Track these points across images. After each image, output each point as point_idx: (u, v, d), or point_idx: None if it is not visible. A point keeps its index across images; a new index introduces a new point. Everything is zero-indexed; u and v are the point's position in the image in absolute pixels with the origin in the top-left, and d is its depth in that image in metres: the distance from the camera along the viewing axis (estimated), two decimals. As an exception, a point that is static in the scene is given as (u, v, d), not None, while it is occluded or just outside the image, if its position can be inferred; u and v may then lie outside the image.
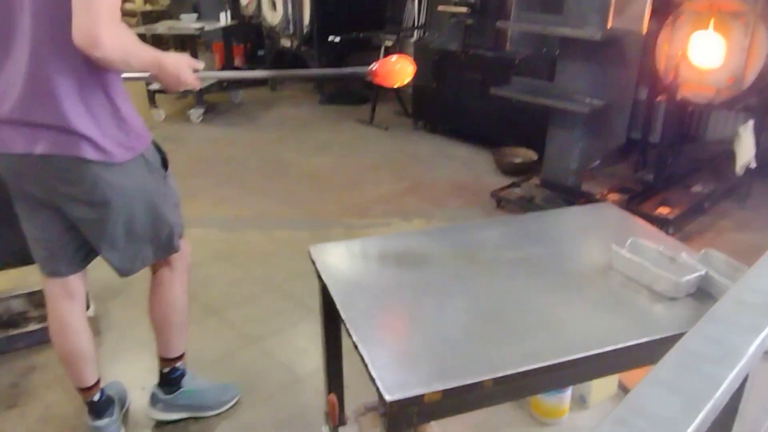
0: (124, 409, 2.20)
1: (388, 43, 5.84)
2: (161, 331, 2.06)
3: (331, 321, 1.77)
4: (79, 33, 1.38)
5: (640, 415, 0.50)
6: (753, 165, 3.47)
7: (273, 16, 6.54)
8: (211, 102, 6.11)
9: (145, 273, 2.03)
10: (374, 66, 1.79)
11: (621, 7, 3.17)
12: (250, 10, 6.92)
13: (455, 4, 4.88)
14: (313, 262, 1.67)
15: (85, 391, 1.98)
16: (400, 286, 1.57)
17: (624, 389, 2.11)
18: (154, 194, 1.76)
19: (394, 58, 1.85)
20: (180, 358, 2.13)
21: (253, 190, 4.30)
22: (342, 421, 1.88)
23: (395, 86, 1.91)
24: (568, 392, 1.96)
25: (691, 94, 3.54)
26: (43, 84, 1.50)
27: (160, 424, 2.18)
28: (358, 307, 1.45)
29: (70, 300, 1.87)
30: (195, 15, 6.26)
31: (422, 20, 6.29)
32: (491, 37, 4.82)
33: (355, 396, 1.96)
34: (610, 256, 1.61)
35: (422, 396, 1.16)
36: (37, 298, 2.77)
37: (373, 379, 1.20)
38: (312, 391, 2.35)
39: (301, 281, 3.13)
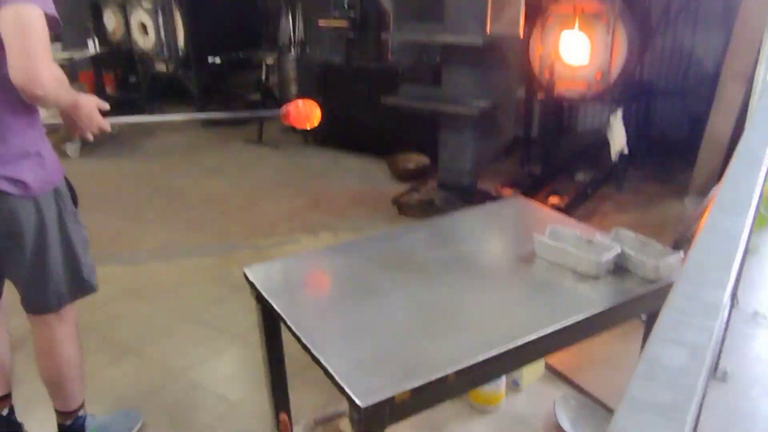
0: None
1: (270, 61, 5.81)
2: (59, 387, 1.94)
3: (272, 340, 1.75)
4: (19, 73, 1.41)
5: (659, 368, 0.56)
6: (626, 150, 3.83)
7: (145, 41, 6.29)
8: (86, 133, 5.73)
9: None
10: (284, 109, 1.97)
11: (497, 13, 3.39)
12: (118, 36, 6.61)
13: (335, 18, 4.96)
14: (251, 283, 1.64)
15: None
16: (343, 296, 1.60)
17: (551, 370, 2.25)
18: (67, 229, 1.74)
19: (301, 103, 2.00)
20: (81, 406, 2.03)
21: (150, 220, 4.10)
22: (293, 440, 1.87)
23: (307, 128, 2.08)
24: (503, 378, 2.07)
25: (565, 90, 3.86)
26: None
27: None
28: (308, 321, 1.46)
29: None
30: (59, 44, 5.88)
31: (299, 36, 6.32)
32: (373, 49, 4.95)
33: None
34: (534, 244, 1.72)
35: (392, 398, 1.19)
36: None
37: (341, 388, 1.22)
38: (249, 416, 2.29)
39: (217, 308, 3.04)
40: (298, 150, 5.60)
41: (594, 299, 1.53)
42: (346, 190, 4.61)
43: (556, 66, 3.78)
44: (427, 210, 3.82)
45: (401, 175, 4.73)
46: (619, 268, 1.63)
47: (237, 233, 3.83)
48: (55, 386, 1.94)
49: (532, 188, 3.92)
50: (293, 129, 5.86)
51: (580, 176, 4.16)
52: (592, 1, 3.73)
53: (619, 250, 1.61)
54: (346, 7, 4.90)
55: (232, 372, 2.57)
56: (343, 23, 4.93)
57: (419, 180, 4.42)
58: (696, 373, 0.57)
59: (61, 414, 2.00)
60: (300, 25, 6.31)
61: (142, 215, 4.18)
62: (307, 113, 1.98)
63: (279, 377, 1.83)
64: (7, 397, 1.99)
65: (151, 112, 6.75)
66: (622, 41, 3.64)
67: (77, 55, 5.56)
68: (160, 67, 6.34)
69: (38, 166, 1.62)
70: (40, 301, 1.78)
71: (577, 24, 3.72)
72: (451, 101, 3.67)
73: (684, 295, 0.71)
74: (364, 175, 4.92)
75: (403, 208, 4.07)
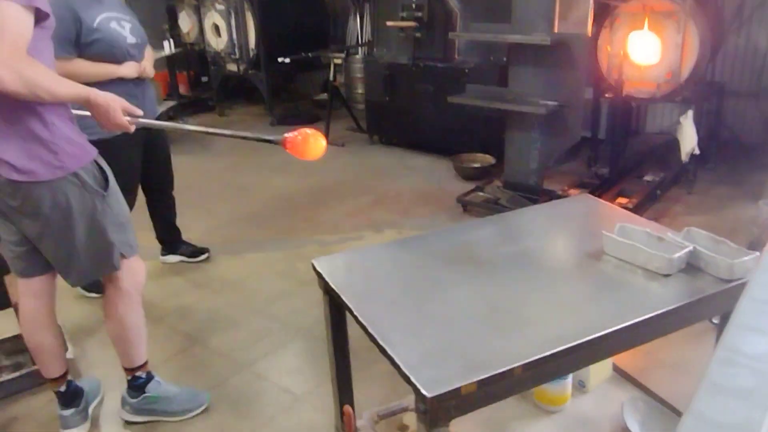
0: (95, 403, 2.35)
1: (337, 61, 5.91)
2: (116, 344, 2.18)
3: (338, 332, 1.79)
4: None
5: (739, 354, 0.56)
6: (696, 152, 3.70)
7: (217, 42, 6.52)
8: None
9: None
10: (285, 137, 1.90)
11: (565, 12, 3.34)
12: (192, 38, 6.88)
13: (403, 19, 5.00)
14: (319, 275, 1.69)
15: (53, 381, 2.17)
16: (409, 289, 1.62)
17: (619, 372, 2.21)
18: (90, 212, 1.84)
19: (308, 132, 1.91)
20: (140, 367, 2.23)
21: (218, 215, 4.26)
22: None
23: (305, 159, 1.97)
24: (569, 379, 2.05)
25: (634, 90, 3.76)
26: None
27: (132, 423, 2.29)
28: (375, 312, 1.49)
29: (35, 299, 2.02)
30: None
31: (366, 37, 6.41)
32: (440, 49, 4.96)
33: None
34: (603, 241, 1.70)
35: (459, 389, 1.21)
36: (7, 347, 2.66)
37: (407, 379, 1.24)
38: (313, 409, 2.35)
39: (282, 302, 3.13)
40: (363, 149, 5.67)
41: (665, 297, 1.49)
42: (411, 188, 4.64)
43: (625, 65, 3.69)
44: (492, 209, 3.81)
45: (466, 175, 4.72)
46: (692, 266, 1.58)
47: (303, 230, 3.92)
48: (115, 344, 2.17)
49: (600, 189, 3.84)
50: (358, 128, 5.97)
51: (649, 177, 4.04)
52: (663, -1, 3.62)
53: (691, 248, 1.57)
54: (413, 7, 4.93)
55: (296, 365, 2.64)
56: (410, 23, 4.97)
57: (484, 179, 4.40)
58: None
59: (124, 369, 2.24)
60: (367, 25, 6.40)
61: (210, 211, 4.34)
62: (307, 145, 1.90)
63: (344, 370, 1.87)
64: (65, 374, 2.19)
65: (222, 111, 7.00)
66: (694, 40, 3.51)
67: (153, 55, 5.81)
68: (232, 67, 6.55)
69: (48, 153, 1.72)
70: (65, 277, 1.97)
71: (646, 23, 3.62)
72: (518, 101, 3.64)
73: (763, 284, 0.70)
74: (428, 174, 4.94)
75: (468, 207, 4.07)
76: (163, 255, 3.52)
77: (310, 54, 5.99)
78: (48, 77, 1.61)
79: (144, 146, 2.97)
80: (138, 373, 2.23)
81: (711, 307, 1.59)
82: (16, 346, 2.63)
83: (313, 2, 6.92)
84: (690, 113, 3.71)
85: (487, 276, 1.65)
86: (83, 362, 2.67)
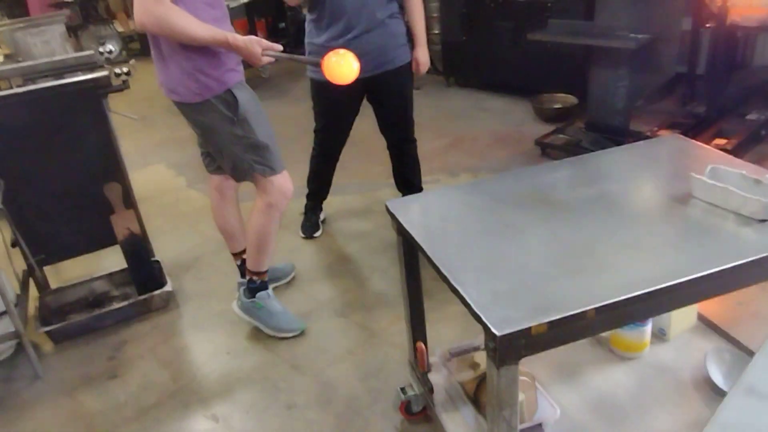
0: (274, 285, 2.71)
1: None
2: (248, 246, 2.45)
3: (412, 273, 1.81)
4: (134, 11, 1.88)
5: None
6: (810, 86, 3.37)
7: (294, -14, 6.48)
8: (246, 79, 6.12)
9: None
10: (323, 59, 2.05)
11: (662, -65, 3.07)
12: (270, -17, 6.88)
13: (482, -48, 4.77)
14: (393, 216, 1.69)
15: (235, 255, 2.66)
16: (482, 231, 1.59)
17: (704, 321, 2.11)
18: (223, 131, 2.16)
19: (339, 53, 2.02)
20: (256, 274, 2.48)
21: (298, 160, 4.31)
22: (429, 368, 1.94)
23: (338, 82, 2.06)
24: (649, 326, 1.98)
25: (741, 18, 3.43)
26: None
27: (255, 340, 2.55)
28: (448, 253, 1.48)
29: (217, 192, 2.55)
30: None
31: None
32: (521, -18, 4.71)
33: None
34: (691, 184, 1.60)
35: (529, 329, 1.19)
36: (116, 279, 2.90)
37: (478, 318, 1.23)
38: (388, 345, 2.41)
39: (359, 243, 3.19)
40: (439, 91, 5.55)
41: (758, 244, 1.39)
42: (488, 131, 4.53)
43: (731, -9, 3.36)
44: (573, 152, 3.66)
45: (546, 116, 4.55)
46: (792, 212, 1.46)
47: (378, 173, 3.94)
48: (248, 245, 2.45)
49: (695, 129, 3.59)
50: (434, 70, 5.83)
51: (753, 116, 3.73)
52: None
53: (792, 192, 1.45)
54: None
55: (373, 303, 2.70)
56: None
57: (566, 121, 4.22)
58: None
59: (247, 270, 2.50)
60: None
61: (290, 155, 4.38)
62: (338, 67, 2.02)
63: (417, 308, 1.89)
64: (243, 251, 2.58)
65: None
66: (816, -42, 3.15)
67: (232, 3, 5.89)
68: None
69: (191, 82, 2.06)
70: (230, 174, 2.34)
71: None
72: (605, 35, 3.43)
73: None
74: (506, 116, 4.80)
75: (547, 150, 3.94)
76: None
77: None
78: (186, 23, 1.89)
79: None
80: (255, 278, 2.48)
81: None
82: (123, 278, 2.87)
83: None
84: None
85: (562, 219, 1.59)
86: (181, 295, 2.85)
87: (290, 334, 2.51)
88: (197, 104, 2.11)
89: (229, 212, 2.56)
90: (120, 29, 8.56)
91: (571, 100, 4.52)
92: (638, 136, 3.58)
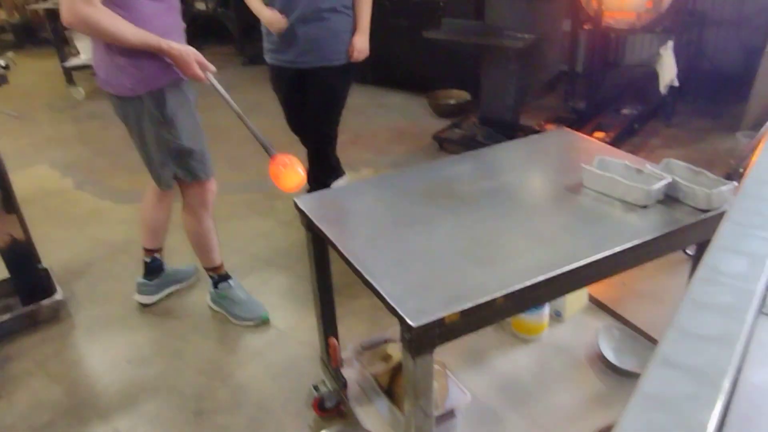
0: (177, 287, 2.75)
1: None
2: (192, 248, 2.52)
3: (321, 267, 1.81)
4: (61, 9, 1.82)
5: (720, 274, 0.58)
6: (675, 83, 3.70)
7: (182, -23, 6.24)
8: (129, 72, 5.82)
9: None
10: (275, 155, 2.08)
11: (544, -60, 3.25)
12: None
13: (375, -50, 4.81)
14: (301, 212, 1.69)
15: (144, 250, 2.62)
16: (391, 224, 1.63)
17: (594, 302, 2.27)
18: (148, 130, 2.13)
19: (288, 161, 2.01)
20: (212, 270, 2.56)
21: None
22: (341, 363, 1.95)
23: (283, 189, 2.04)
24: (546, 309, 2.11)
25: (613, 21, 3.71)
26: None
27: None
28: (359, 247, 1.50)
29: (149, 186, 2.45)
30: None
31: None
32: (415, -18, 4.82)
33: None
34: (582, 174, 1.71)
35: (443, 319, 1.23)
36: (-3, 290, 2.67)
37: (393, 310, 1.26)
38: (298, 342, 2.40)
39: (264, 240, 3.14)
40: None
41: (642, 228, 1.52)
42: (387, 126, 4.60)
43: (605, -5, 3.63)
44: (468, 146, 3.80)
45: (442, 111, 4.69)
46: (670, 198, 1.61)
47: (280, 170, 3.89)
48: (192, 247, 2.51)
49: (577, 123, 3.84)
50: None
51: (627, 110, 4.05)
52: (646, -76, 3.54)
53: (669, 180, 1.59)
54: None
55: (278, 302, 2.67)
56: (382, -46, 4.79)
57: (460, 116, 4.38)
58: (755, 279, 0.58)
59: (204, 268, 2.60)
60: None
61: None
62: (284, 171, 2.04)
63: (328, 303, 1.89)
64: (155, 251, 2.63)
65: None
66: (677, -33, 3.46)
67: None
68: (200, 5, 6.31)
69: (123, 75, 2.01)
70: (151, 176, 2.31)
71: (628, -51, 3.54)
72: (495, 34, 3.58)
73: (743, 209, 0.72)
74: (403, 112, 4.89)
75: (445, 144, 4.06)
76: None
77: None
78: (116, 27, 1.84)
79: None
80: (212, 273, 2.57)
81: (688, 237, 1.63)
82: (6, 288, 2.64)
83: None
84: (670, 44, 3.68)
85: (466, 211, 1.66)
86: (72, 304, 2.67)
87: (251, 323, 2.52)
88: (127, 98, 2.07)
89: (159, 207, 2.51)
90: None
91: (465, 95, 4.69)
92: (527, 130, 3.79)
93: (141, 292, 2.65)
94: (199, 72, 2.01)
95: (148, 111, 2.09)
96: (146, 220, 2.55)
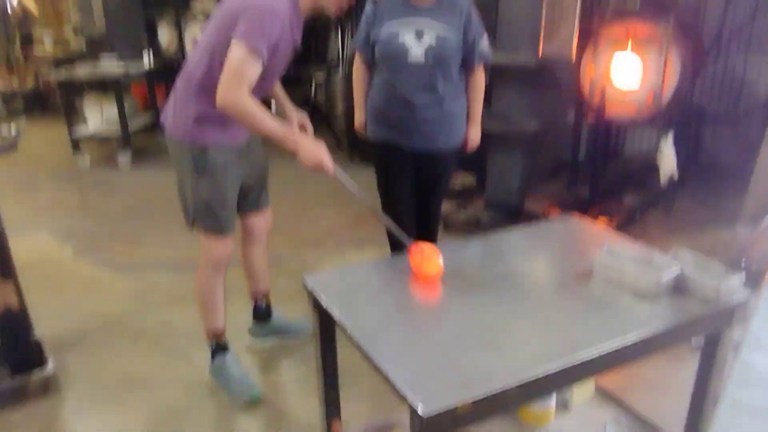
0: (284, 338, 2.80)
1: (319, 78, 5.92)
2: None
3: (328, 348, 1.78)
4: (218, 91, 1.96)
5: (753, 372, 0.57)
6: (676, 175, 3.77)
7: (198, 56, 6.48)
8: (139, 146, 5.95)
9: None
10: (413, 246, 1.85)
11: (550, 35, 3.40)
12: (171, 51, 6.83)
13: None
14: (310, 291, 1.68)
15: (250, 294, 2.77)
16: (400, 307, 1.62)
17: (601, 391, 2.22)
18: (186, 175, 2.27)
19: (426, 251, 1.82)
20: (211, 334, 2.49)
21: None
22: (343, 449, 1.88)
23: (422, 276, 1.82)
24: (553, 397, 2.05)
25: (615, 113, 3.83)
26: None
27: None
28: (367, 329, 1.48)
29: (245, 230, 2.66)
30: (115, 56, 6.11)
31: (348, 54, 6.42)
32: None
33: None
34: (591, 262, 1.72)
35: (455, 408, 1.20)
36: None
37: (403, 397, 1.23)
38: (300, 424, 2.33)
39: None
40: (343, 166, 5.56)
41: (653, 319, 1.51)
42: (391, 206, 4.63)
43: (607, 88, 3.75)
44: (473, 229, 3.83)
45: (448, 194, 4.73)
46: (679, 288, 1.61)
47: (284, 245, 3.89)
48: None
49: (580, 210, 3.87)
50: (337, 146, 5.97)
51: (629, 200, 4.10)
52: (645, 24, 3.71)
53: (679, 270, 1.60)
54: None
55: (281, 380, 2.61)
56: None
57: (466, 199, 4.42)
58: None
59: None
60: (348, 42, 6.42)
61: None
62: (425, 260, 1.83)
63: (332, 384, 1.84)
64: (261, 295, 2.75)
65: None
66: (675, 64, 3.60)
67: (132, 68, 5.79)
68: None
69: (184, 122, 2.18)
70: (183, 215, 2.40)
71: (629, 47, 3.70)
72: (502, 121, 3.69)
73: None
74: (408, 193, 4.94)
75: (450, 226, 4.08)
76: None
77: (291, 70, 5.98)
78: (261, 117, 1.98)
79: None
80: (210, 339, 2.50)
81: (698, 329, 1.61)
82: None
83: (296, 18, 6.91)
84: (670, 136, 3.78)
85: (475, 295, 1.65)
86: (64, 376, 2.60)
87: (242, 403, 2.42)
88: (178, 140, 2.23)
89: (253, 252, 2.65)
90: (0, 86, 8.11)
91: (470, 179, 4.75)
92: (532, 215, 3.82)
93: (250, 334, 2.81)
94: (327, 166, 2.13)
95: (188, 159, 2.22)
96: (244, 264, 2.70)
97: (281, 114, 2.44)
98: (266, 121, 2.01)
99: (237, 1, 2.05)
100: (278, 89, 2.50)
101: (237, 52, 1.94)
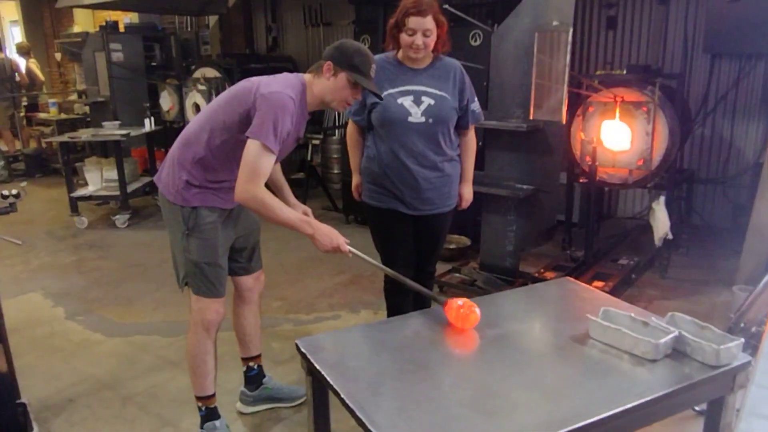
0: (275, 405, 2.70)
1: (315, 141, 6.02)
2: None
3: (321, 413, 1.74)
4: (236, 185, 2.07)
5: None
6: (670, 236, 3.79)
7: (197, 120, 6.60)
8: (136, 206, 5.98)
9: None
10: (446, 302, 1.95)
11: (540, 101, 3.49)
12: (172, 116, 6.97)
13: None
14: (303, 355, 1.65)
15: (242, 360, 2.71)
16: (394, 370, 1.59)
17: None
18: (176, 236, 2.30)
19: (461, 302, 1.90)
20: (200, 399, 2.43)
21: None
22: None
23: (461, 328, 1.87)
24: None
25: (607, 176, 3.89)
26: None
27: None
28: (362, 394, 1.45)
29: (237, 292, 2.64)
30: (117, 122, 6.26)
31: (344, 119, 6.55)
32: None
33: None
34: (588, 325, 1.70)
35: (452, 477, 1.16)
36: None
37: (397, 465, 1.19)
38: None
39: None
40: (339, 228, 5.55)
41: (652, 383, 1.49)
42: (386, 268, 4.62)
43: (598, 152, 3.83)
44: (468, 291, 3.80)
45: (442, 256, 4.73)
46: (677, 352, 1.59)
47: (277, 308, 3.85)
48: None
49: (575, 272, 3.88)
50: (333, 207, 6.01)
51: (623, 261, 4.11)
52: (632, 90, 3.82)
53: (677, 333, 1.58)
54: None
55: (270, 448, 2.53)
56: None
57: (460, 261, 4.42)
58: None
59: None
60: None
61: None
62: (464, 314, 1.87)
63: (324, 453, 1.79)
64: (249, 358, 2.69)
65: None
66: (663, 129, 3.69)
67: (133, 132, 5.90)
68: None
69: (176, 185, 2.24)
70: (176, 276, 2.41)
71: (617, 112, 3.79)
72: (495, 184, 3.73)
73: (765, 371, 0.71)
74: (404, 255, 4.93)
75: (444, 288, 4.06)
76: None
77: (288, 134, 6.08)
78: (275, 207, 2.10)
79: None
80: (200, 404, 2.44)
81: (699, 394, 1.59)
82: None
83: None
84: (662, 199, 3.82)
85: (471, 358, 1.63)
86: None
87: None
88: (170, 202, 2.28)
89: (245, 314, 2.62)
90: (4, 148, 8.21)
91: (465, 241, 4.77)
92: (527, 277, 3.81)
93: (240, 399, 2.72)
94: (343, 247, 2.22)
95: (177, 220, 2.27)
96: (234, 327, 2.66)
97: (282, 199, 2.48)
98: (283, 211, 2.13)
99: (253, 86, 2.13)
100: (279, 174, 2.55)
101: (253, 150, 2.04)
